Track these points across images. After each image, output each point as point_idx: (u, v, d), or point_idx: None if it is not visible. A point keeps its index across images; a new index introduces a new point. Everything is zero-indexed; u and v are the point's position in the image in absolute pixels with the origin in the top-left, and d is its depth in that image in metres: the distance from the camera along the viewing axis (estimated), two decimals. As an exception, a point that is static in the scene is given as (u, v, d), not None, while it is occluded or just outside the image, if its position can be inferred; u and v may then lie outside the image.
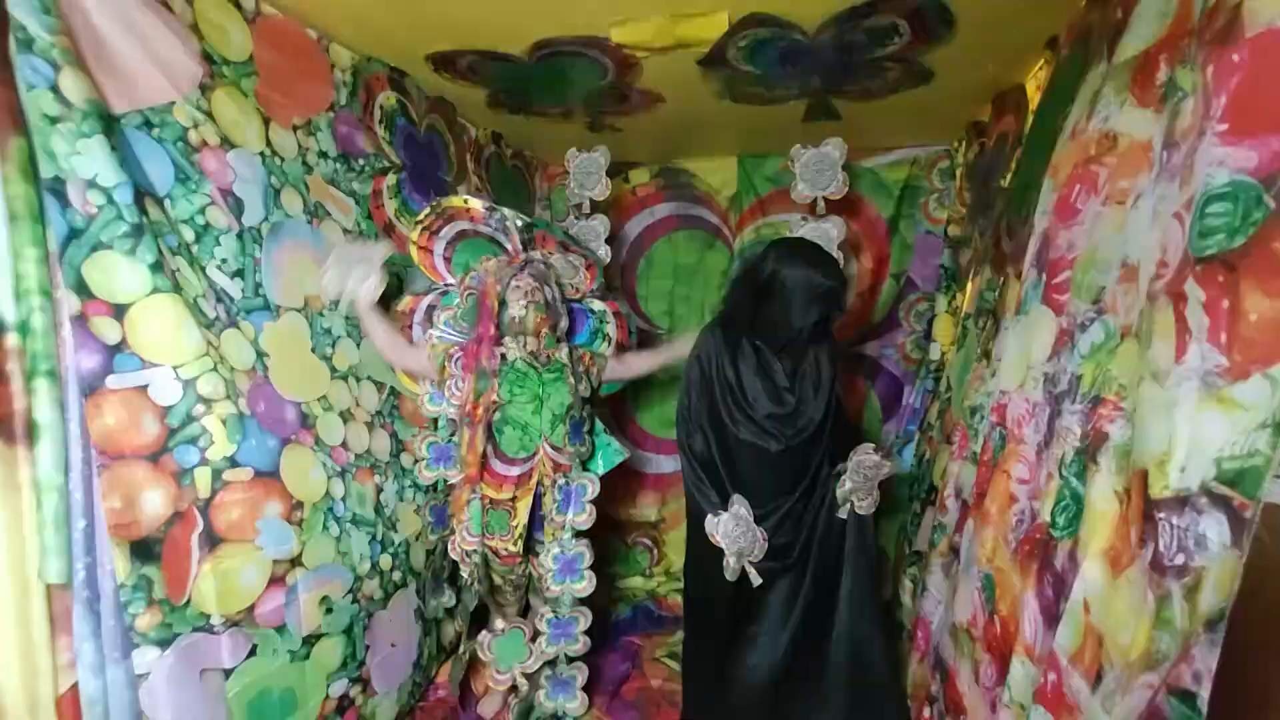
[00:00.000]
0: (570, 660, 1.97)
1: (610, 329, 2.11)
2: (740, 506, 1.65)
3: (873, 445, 1.65)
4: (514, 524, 1.87)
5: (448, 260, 1.98)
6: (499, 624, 1.96)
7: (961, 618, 1.45)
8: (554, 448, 1.86)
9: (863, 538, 1.69)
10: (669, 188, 2.92)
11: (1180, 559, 0.78)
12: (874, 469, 1.64)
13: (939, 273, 2.56)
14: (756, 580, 1.65)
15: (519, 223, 1.89)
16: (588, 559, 1.92)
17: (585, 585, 1.92)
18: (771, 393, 1.69)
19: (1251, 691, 0.84)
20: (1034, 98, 1.77)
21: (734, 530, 1.63)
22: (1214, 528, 0.74)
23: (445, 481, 2.00)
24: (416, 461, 1.97)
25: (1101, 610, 0.94)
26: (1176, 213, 0.87)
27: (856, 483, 1.64)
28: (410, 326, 2.01)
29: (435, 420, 2.02)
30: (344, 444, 1.71)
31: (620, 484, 2.95)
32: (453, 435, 1.94)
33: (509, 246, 1.95)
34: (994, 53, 1.73)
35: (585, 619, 1.95)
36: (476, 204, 1.89)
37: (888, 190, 2.68)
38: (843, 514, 1.67)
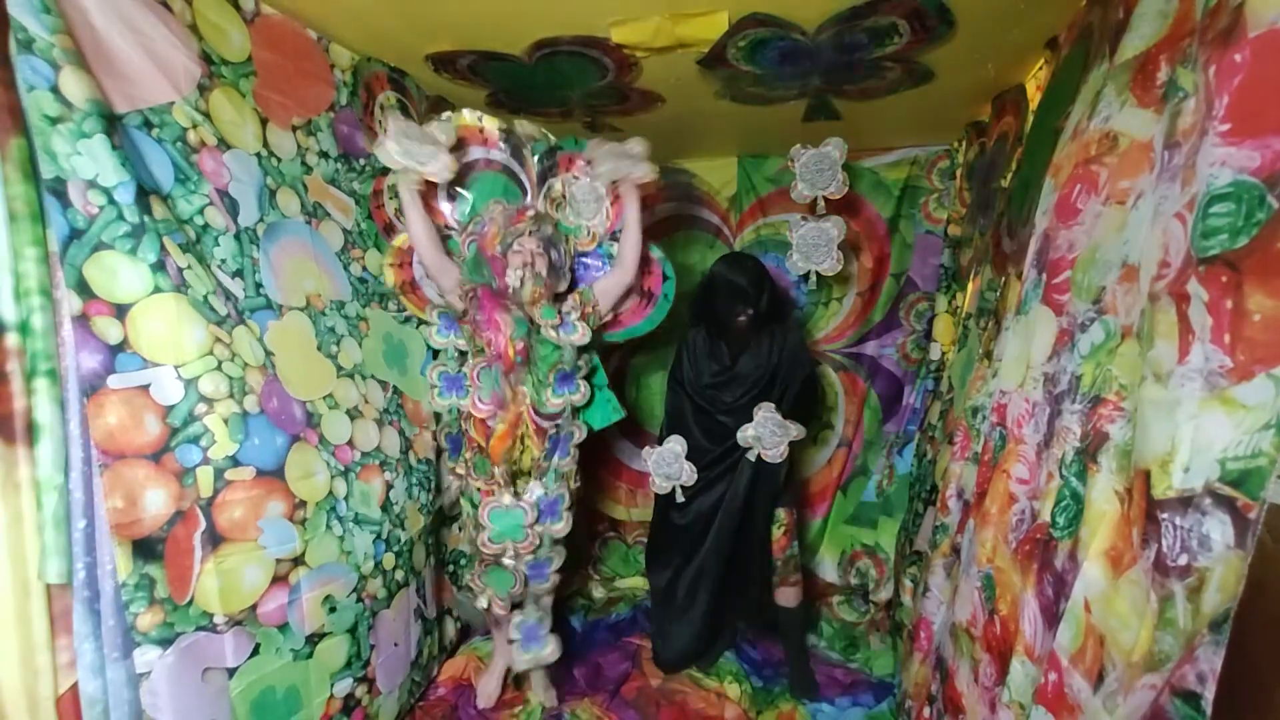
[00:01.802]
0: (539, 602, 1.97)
1: None
2: (676, 444, 2.13)
3: (774, 406, 2.05)
4: (494, 468, 1.88)
5: (452, 200, 1.91)
6: (506, 499, 1.87)
7: (961, 617, 1.45)
8: (537, 413, 1.85)
9: (770, 477, 2.12)
10: (669, 188, 2.92)
11: (1183, 559, 0.77)
12: (779, 428, 2.05)
13: (939, 273, 2.56)
14: (680, 497, 2.16)
15: (539, 148, 1.81)
16: (569, 502, 1.92)
17: (563, 527, 1.92)
18: (712, 369, 2.18)
19: (1255, 693, 0.84)
20: (1034, 98, 1.77)
21: (663, 459, 2.15)
22: (1217, 528, 0.74)
23: (457, 411, 1.96)
24: (430, 388, 1.94)
25: (1103, 610, 0.94)
26: (1178, 213, 0.87)
27: (760, 433, 2.06)
28: (408, 265, 1.95)
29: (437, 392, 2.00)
30: (350, 442, 1.71)
31: (620, 483, 2.95)
32: (461, 366, 1.93)
33: (524, 181, 1.86)
34: (994, 53, 1.73)
35: (559, 558, 1.95)
36: (491, 125, 1.80)
37: (888, 190, 2.68)
38: (751, 456, 2.09)
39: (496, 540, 1.85)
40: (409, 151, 1.65)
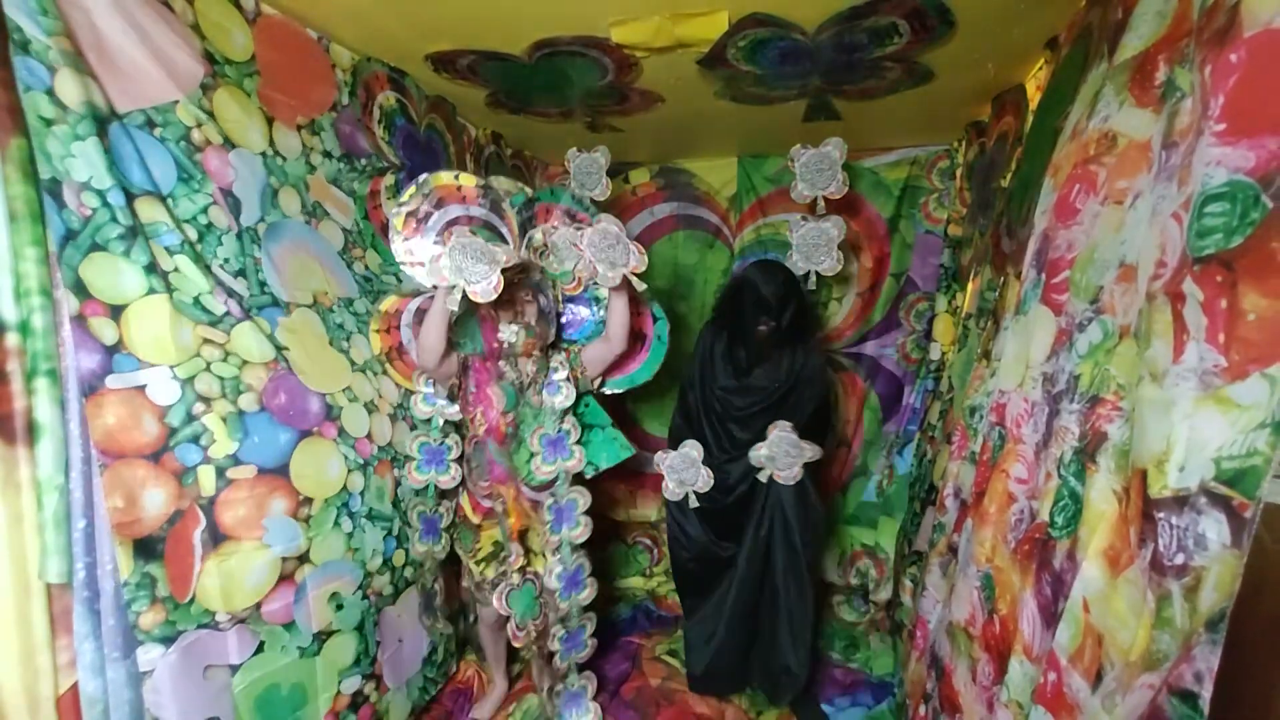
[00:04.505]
0: (580, 669, 1.97)
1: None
2: (691, 450, 2.03)
3: (790, 425, 1.94)
4: (477, 547, 1.89)
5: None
6: (515, 578, 1.83)
7: (959, 616, 1.45)
8: (530, 487, 1.85)
9: (791, 499, 2.01)
10: (669, 188, 2.92)
11: (1180, 559, 0.77)
12: (794, 448, 1.95)
13: (939, 273, 2.56)
14: (694, 504, 2.06)
15: (517, 200, 1.80)
16: (588, 569, 1.91)
17: (588, 594, 1.91)
18: (729, 372, 2.12)
19: (1253, 692, 0.84)
20: (1034, 98, 1.77)
21: (678, 464, 2.04)
22: (1213, 527, 0.74)
23: (436, 487, 1.90)
24: (406, 460, 1.87)
25: (1101, 610, 0.93)
26: (1175, 213, 0.86)
27: (774, 453, 1.96)
28: (394, 329, 1.89)
29: (428, 419, 1.96)
30: (369, 436, 1.73)
31: (620, 484, 2.95)
32: (446, 438, 1.91)
33: (505, 234, 1.86)
34: (994, 53, 1.73)
35: (591, 624, 1.95)
36: (469, 181, 1.80)
37: (888, 190, 2.68)
38: (763, 477, 1.99)
39: (521, 626, 1.82)
40: (460, 268, 1.62)
